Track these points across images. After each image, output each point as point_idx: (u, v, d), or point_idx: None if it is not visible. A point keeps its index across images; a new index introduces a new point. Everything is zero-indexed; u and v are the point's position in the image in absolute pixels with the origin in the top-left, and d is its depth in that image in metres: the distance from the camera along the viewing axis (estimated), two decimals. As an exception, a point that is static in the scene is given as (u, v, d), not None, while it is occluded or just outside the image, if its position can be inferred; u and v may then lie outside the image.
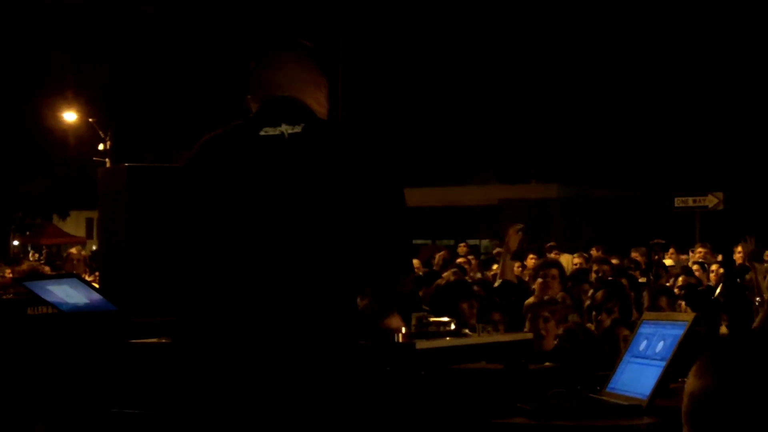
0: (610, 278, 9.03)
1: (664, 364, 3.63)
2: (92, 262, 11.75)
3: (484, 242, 37.19)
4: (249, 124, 3.30)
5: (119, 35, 35.58)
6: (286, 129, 3.24)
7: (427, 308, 6.80)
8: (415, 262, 12.48)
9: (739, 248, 10.60)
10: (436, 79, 44.97)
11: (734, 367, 1.72)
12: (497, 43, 44.65)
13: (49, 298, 5.94)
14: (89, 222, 44.76)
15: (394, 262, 3.23)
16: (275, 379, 3.09)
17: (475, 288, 7.75)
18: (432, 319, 5.30)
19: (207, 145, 3.30)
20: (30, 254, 30.45)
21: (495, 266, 12.18)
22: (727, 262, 8.62)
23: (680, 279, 9.38)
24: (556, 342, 6.34)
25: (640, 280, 10.11)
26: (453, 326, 5.29)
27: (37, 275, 7.72)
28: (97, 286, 6.40)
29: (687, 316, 4.33)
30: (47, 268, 11.29)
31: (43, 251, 29.55)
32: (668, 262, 13.45)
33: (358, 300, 3.31)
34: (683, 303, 8.19)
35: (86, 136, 35.42)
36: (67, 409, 5.88)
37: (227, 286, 3.19)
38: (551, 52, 44.48)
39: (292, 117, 3.27)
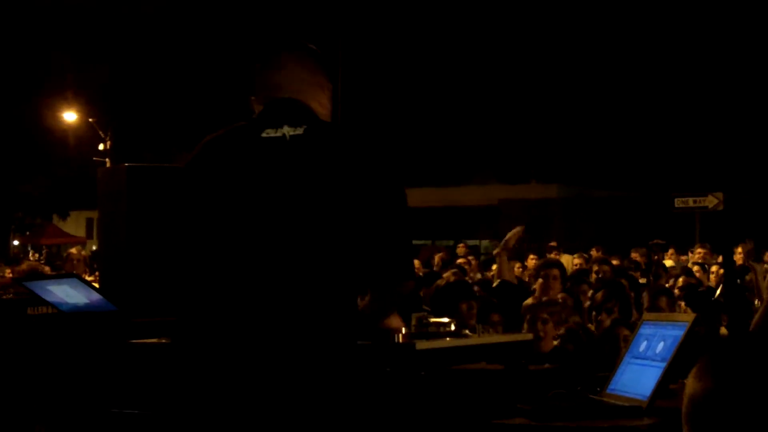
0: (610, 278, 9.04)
1: (664, 365, 3.63)
2: (92, 262, 11.75)
3: (484, 243, 37.19)
4: (251, 126, 3.30)
5: (119, 35, 35.58)
6: (287, 131, 3.24)
7: (427, 308, 6.81)
8: (415, 262, 12.47)
9: (740, 249, 10.60)
10: (436, 79, 44.98)
11: (734, 368, 1.72)
12: (497, 43, 44.67)
13: (49, 298, 5.94)
14: (89, 222, 44.77)
15: (395, 265, 3.23)
16: (275, 380, 3.09)
17: (476, 289, 7.76)
18: (432, 319, 5.30)
19: (208, 146, 3.30)
20: (30, 254, 30.48)
21: (494, 266, 12.18)
22: (727, 263, 8.62)
23: (680, 280, 9.38)
24: (557, 342, 6.34)
25: (641, 281, 10.11)
26: (453, 327, 5.29)
27: (37, 275, 7.71)
28: (97, 286, 6.40)
29: (687, 316, 4.33)
30: (47, 268, 11.28)
31: (43, 251, 29.57)
32: (668, 262, 13.46)
33: (358, 300, 3.31)
34: (683, 303, 8.20)
35: (86, 136, 35.43)
36: (66, 409, 5.88)
37: (227, 286, 3.19)
38: (551, 53, 44.49)
39: (294, 119, 3.27)
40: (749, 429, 1.67)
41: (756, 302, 7.82)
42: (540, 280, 8.28)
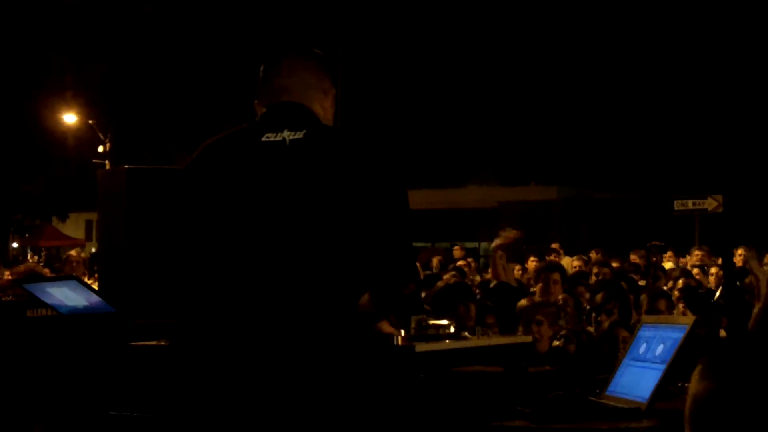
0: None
1: (663, 367, 3.63)
2: (92, 265, 11.75)
3: (484, 244, 37.16)
4: (252, 130, 3.30)
5: (119, 35, 35.59)
6: (288, 135, 3.24)
7: (428, 308, 6.81)
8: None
9: (740, 251, 10.59)
10: (436, 80, 45.01)
11: (736, 369, 1.72)
12: (496, 44, 44.69)
13: (48, 300, 5.93)
14: (89, 224, 44.71)
15: (396, 268, 3.23)
16: (274, 382, 3.09)
17: (476, 291, 7.75)
18: (431, 321, 5.30)
19: (208, 149, 3.30)
20: (29, 256, 30.47)
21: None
22: (727, 265, 8.60)
23: (680, 282, 9.37)
24: (559, 343, 6.32)
25: (640, 283, 10.10)
26: (452, 329, 5.29)
27: (36, 277, 7.71)
28: (96, 288, 6.39)
29: (687, 319, 4.33)
30: (46, 270, 11.28)
31: (42, 253, 29.59)
32: (668, 265, 13.44)
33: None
34: (682, 305, 8.19)
35: (86, 137, 35.41)
36: (66, 411, 5.88)
37: (226, 289, 3.19)
38: (550, 54, 44.51)
39: (295, 123, 3.27)
40: (750, 429, 1.67)
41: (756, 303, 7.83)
42: (540, 284, 8.25)
